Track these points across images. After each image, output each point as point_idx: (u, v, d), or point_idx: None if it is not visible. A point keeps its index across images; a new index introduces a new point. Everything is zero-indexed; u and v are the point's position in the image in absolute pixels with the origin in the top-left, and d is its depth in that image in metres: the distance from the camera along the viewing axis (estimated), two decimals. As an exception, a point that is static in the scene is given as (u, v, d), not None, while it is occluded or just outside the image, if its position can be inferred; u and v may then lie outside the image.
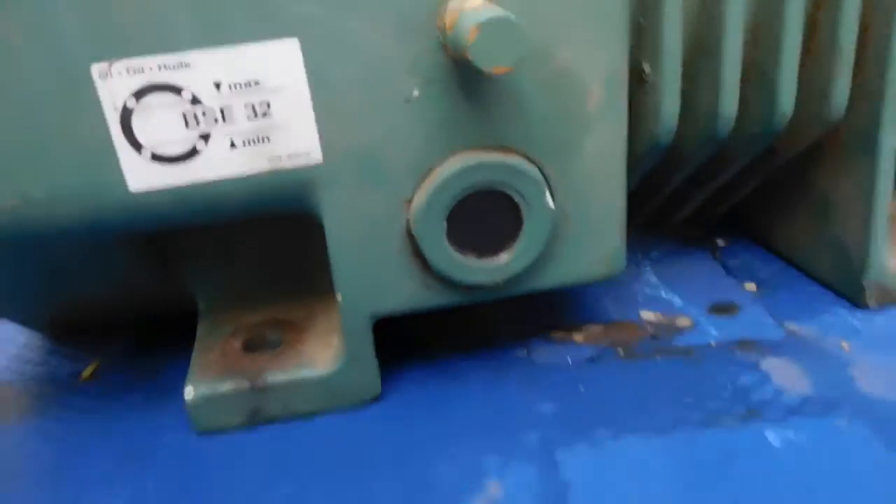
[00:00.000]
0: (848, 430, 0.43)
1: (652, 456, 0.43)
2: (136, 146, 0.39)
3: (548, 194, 0.44)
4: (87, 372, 0.56)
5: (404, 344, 0.55)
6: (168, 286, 0.53)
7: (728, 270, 0.64)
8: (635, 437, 0.44)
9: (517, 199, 0.43)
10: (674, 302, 0.59)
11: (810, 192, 0.58)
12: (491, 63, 0.36)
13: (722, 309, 0.58)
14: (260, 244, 0.52)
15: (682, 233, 0.71)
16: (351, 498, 0.41)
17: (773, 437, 0.43)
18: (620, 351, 0.54)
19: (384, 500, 0.41)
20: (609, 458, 0.43)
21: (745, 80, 0.50)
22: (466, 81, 0.40)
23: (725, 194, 0.64)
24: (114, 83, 0.37)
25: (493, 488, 0.41)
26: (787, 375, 0.49)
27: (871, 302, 0.56)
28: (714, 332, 0.55)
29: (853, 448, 0.42)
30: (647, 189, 0.60)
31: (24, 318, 0.58)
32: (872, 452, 0.41)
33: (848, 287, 0.57)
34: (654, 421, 0.45)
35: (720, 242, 0.69)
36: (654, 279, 0.63)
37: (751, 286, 0.61)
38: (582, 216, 0.46)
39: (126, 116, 0.38)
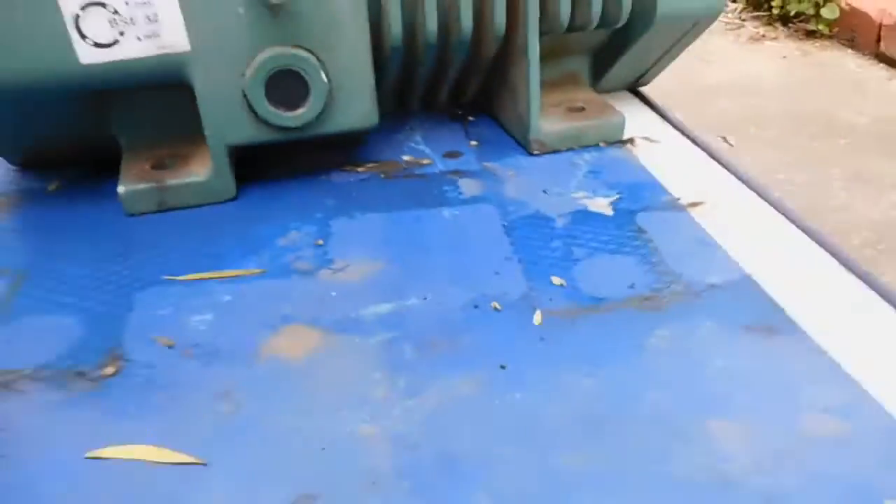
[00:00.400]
0: (486, 209, 0.80)
1: (383, 221, 0.78)
2: (83, 37, 0.72)
3: (322, 73, 0.78)
4: (52, 186, 0.89)
5: (254, 168, 0.89)
6: (102, 130, 0.86)
7: (466, 134, 0.99)
8: (375, 214, 0.80)
9: (304, 75, 0.78)
10: (424, 150, 0.95)
11: (507, 83, 0.94)
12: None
13: (451, 154, 0.94)
14: (163, 103, 0.85)
15: (447, 112, 1.05)
16: (208, 242, 0.76)
17: (447, 213, 0.80)
18: (383, 175, 0.89)
19: (227, 244, 0.76)
20: (359, 223, 0.78)
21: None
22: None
23: (465, 84, 0.99)
24: (68, 1, 0.70)
25: (293, 234, 0.77)
26: (469, 187, 0.85)
27: (533, 150, 0.92)
28: (441, 167, 0.90)
29: (486, 216, 0.78)
30: (407, 79, 0.95)
31: (2, 152, 0.91)
32: (495, 218, 0.78)
33: (524, 141, 0.93)
34: (388, 206, 0.81)
35: (470, 118, 1.04)
36: (417, 137, 0.98)
37: (474, 143, 0.96)
38: (345, 87, 0.80)
39: (76, 20, 0.71)
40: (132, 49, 0.73)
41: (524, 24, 0.84)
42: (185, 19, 0.72)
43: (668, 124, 0.99)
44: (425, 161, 0.91)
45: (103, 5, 0.69)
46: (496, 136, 0.97)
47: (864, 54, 2.14)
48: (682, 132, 0.96)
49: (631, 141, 0.94)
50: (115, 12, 0.70)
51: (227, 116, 0.78)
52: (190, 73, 0.75)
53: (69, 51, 0.71)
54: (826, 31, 2.27)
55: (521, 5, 0.83)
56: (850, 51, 2.15)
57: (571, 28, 0.87)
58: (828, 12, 2.23)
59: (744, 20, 2.40)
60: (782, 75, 2.00)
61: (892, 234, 1.42)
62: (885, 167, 1.59)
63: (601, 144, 0.93)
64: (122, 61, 0.72)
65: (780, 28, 2.35)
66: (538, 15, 0.84)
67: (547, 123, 0.91)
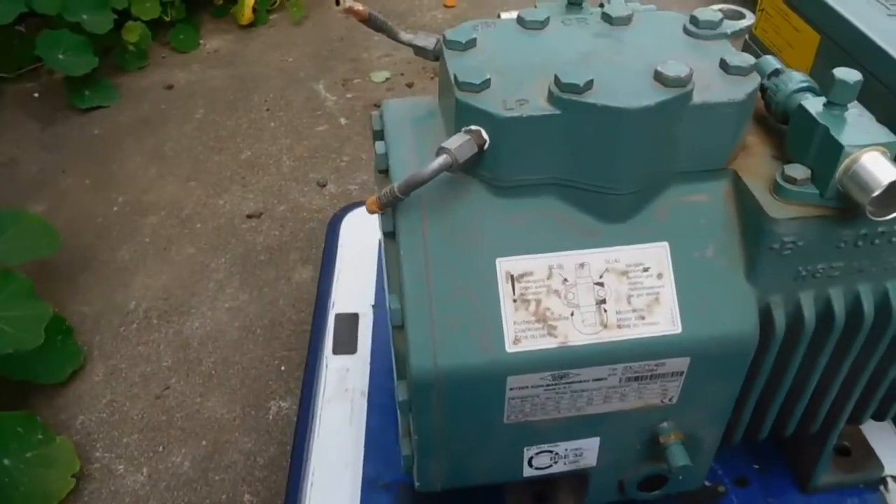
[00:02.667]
0: None
1: None
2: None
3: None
4: None
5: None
6: None
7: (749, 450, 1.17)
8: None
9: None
10: (716, 469, 1.13)
11: (803, 439, 1.11)
12: None
13: (740, 482, 1.12)
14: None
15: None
16: None
17: None
18: None
19: None
20: None
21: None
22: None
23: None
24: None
25: None
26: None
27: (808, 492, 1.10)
28: (735, 499, 1.10)
29: None
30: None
31: None
32: None
33: (799, 481, 1.11)
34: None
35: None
36: None
37: (756, 466, 1.15)
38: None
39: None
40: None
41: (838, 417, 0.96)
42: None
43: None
44: (721, 489, 1.09)
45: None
46: (775, 460, 1.11)
47: None
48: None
49: (884, 482, 1.11)
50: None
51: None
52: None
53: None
54: None
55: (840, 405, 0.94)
56: None
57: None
58: None
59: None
60: None
61: None
62: None
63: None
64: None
65: None
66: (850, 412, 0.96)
67: (823, 476, 1.08)
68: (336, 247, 1.46)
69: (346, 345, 1.25)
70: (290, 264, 1.98)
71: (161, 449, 1.58)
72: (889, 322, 0.82)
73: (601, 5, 0.88)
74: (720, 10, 0.86)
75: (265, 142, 2.44)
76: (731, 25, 0.84)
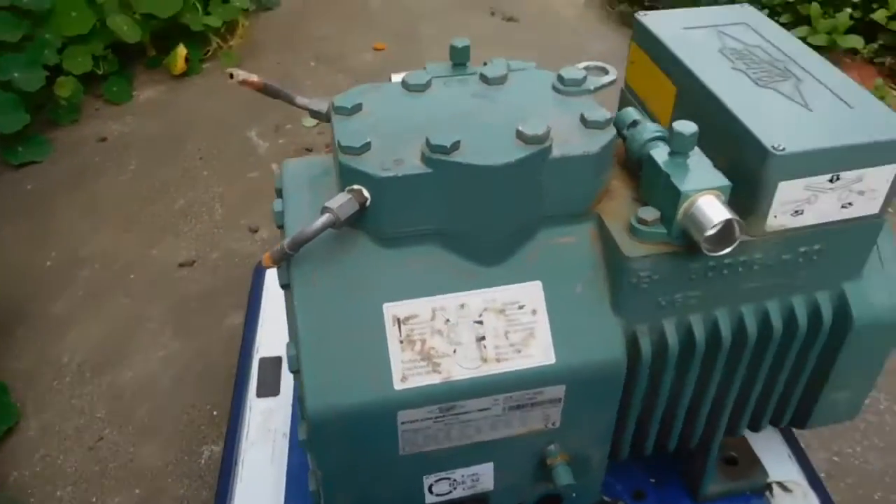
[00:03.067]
0: None
1: None
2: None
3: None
4: None
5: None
6: None
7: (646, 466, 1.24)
8: None
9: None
10: (615, 487, 1.21)
11: (691, 452, 1.19)
12: None
13: (638, 495, 1.20)
14: None
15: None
16: None
17: None
18: None
19: None
20: None
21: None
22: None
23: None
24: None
25: None
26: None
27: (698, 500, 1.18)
28: None
29: None
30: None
31: None
32: None
33: (692, 492, 1.19)
34: None
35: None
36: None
37: (653, 480, 1.22)
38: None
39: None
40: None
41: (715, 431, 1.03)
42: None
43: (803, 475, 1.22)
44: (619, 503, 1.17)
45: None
46: (669, 474, 1.18)
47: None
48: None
49: (769, 488, 1.20)
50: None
51: None
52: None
53: None
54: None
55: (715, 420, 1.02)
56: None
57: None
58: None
59: None
60: None
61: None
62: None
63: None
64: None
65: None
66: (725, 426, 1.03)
67: (711, 485, 1.16)
68: (261, 292, 1.51)
69: (269, 387, 1.31)
70: (221, 310, 2.03)
71: (94, 500, 1.62)
72: (746, 343, 0.90)
73: (484, 64, 0.96)
74: (585, 67, 0.94)
75: (199, 190, 2.50)
76: (594, 82, 0.93)
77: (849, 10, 2.85)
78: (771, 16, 2.79)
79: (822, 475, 1.52)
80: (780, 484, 1.19)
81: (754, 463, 1.19)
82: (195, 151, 2.66)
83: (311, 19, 3.54)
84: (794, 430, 1.16)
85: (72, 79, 2.81)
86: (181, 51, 3.05)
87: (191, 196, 2.45)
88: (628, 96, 1.07)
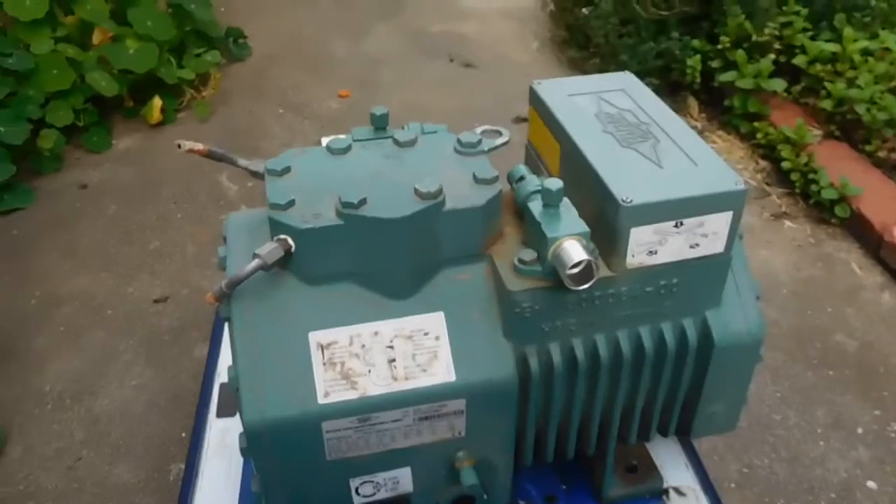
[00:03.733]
0: None
1: None
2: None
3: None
4: None
5: None
6: None
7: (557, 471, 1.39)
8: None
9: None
10: (530, 491, 1.35)
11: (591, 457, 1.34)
12: None
13: (550, 499, 1.35)
14: None
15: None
16: None
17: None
18: None
19: None
20: None
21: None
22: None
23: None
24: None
25: None
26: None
27: None
28: None
29: None
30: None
31: None
32: None
33: (596, 496, 1.33)
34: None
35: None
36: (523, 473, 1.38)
37: (564, 486, 1.37)
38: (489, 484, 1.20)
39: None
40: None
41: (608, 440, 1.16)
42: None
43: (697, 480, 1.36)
44: (533, 509, 1.30)
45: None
46: (579, 479, 1.30)
47: (867, 252, 2.45)
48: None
49: (666, 493, 1.34)
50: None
51: None
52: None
53: None
54: (838, 222, 2.60)
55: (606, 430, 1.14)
56: (856, 244, 2.47)
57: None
58: (840, 211, 2.56)
59: (769, 185, 2.70)
60: (791, 271, 2.35)
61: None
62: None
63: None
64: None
65: (801, 203, 2.66)
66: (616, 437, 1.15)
67: (612, 489, 1.30)
68: (223, 326, 1.65)
69: (227, 408, 1.45)
70: (191, 342, 2.17)
71: (73, 514, 1.74)
72: (622, 363, 1.05)
73: (403, 128, 1.11)
74: (482, 131, 1.10)
75: (172, 232, 2.63)
76: (489, 143, 1.08)
77: (772, 55, 3.02)
78: (703, 61, 2.98)
79: (732, 484, 1.69)
80: (676, 489, 1.32)
81: (652, 470, 1.32)
82: (169, 196, 2.79)
83: (280, 69, 3.69)
84: (708, 443, 1.28)
85: (54, 131, 2.93)
86: (157, 102, 3.19)
87: (165, 237, 2.59)
88: (530, 151, 1.22)
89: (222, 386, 1.47)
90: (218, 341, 1.59)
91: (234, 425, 1.39)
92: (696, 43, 3.23)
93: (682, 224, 0.94)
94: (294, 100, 3.41)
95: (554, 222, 0.93)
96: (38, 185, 2.84)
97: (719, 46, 3.12)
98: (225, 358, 1.54)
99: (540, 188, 0.99)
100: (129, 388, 1.97)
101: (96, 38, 3.08)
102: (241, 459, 1.33)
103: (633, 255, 0.96)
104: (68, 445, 1.82)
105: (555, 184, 0.93)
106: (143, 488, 1.71)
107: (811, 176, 2.71)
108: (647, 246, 0.95)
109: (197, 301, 2.24)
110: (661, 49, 3.27)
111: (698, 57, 3.14)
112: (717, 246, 0.98)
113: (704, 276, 1.02)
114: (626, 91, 1.15)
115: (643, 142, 1.03)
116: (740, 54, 3.00)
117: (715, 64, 3.15)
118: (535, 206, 0.95)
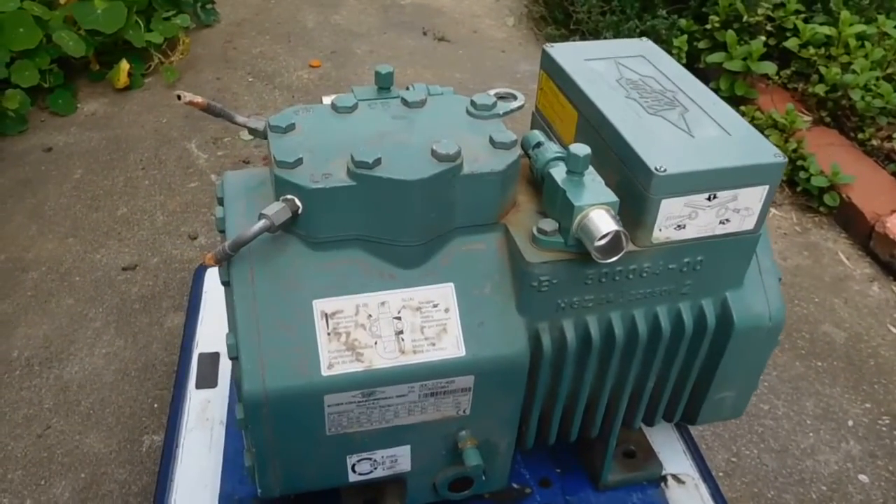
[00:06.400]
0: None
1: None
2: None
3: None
4: None
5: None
6: None
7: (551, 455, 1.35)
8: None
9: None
10: (524, 474, 1.31)
11: (590, 442, 1.30)
12: None
13: (544, 483, 1.30)
14: None
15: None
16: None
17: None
18: None
19: None
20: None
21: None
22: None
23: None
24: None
25: None
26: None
27: (600, 489, 1.29)
28: (539, 499, 1.27)
29: None
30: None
31: None
32: None
33: (593, 481, 1.30)
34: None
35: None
36: (518, 457, 1.34)
37: (558, 470, 1.33)
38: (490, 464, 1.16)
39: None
40: None
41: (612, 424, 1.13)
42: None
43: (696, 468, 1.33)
44: (527, 490, 1.27)
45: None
46: (574, 464, 1.28)
47: (855, 243, 2.42)
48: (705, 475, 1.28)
49: (664, 480, 1.31)
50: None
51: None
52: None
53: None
54: (826, 211, 2.58)
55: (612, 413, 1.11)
56: (844, 234, 2.44)
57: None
58: (829, 199, 2.54)
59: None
60: (777, 260, 2.32)
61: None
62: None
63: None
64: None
65: (787, 191, 2.63)
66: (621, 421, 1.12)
67: (611, 475, 1.27)
68: (201, 293, 1.59)
69: (207, 380, 1.39)
70: (162, 311, 2.10)
71: (43, 482, 1.68)
72: (637, 343, 1.01)
73: (407, 88, 1.06)
74: (496, 94, 1.05)
75: (140, 199, 2.55)
76: (504, 107, 1.03)
77: (763, 37, 3.00)
78: (690, 41, 2.94)
79: (720, 474, 1.67)
80: (675, 476, 1.29)
81: (651, 456, 1.29)
82: (137, 162, 2.72)
83: (249, 37, 3.61)
84: (695, 431, 1.25)
85: (19, 91, 2.84)
86: (124, 65, 3.11)
87: (133, 204, 2.51)
88: (538, 119, 1.17)
89: (201, 357, 1.41)
90: (196, 310, 1.53)
91: (214, 397, 1.34)
92: (683, 22, 3.19)
93: (715, 197, 0.90)
94: (264, 69, 3.34)
95: (580, 191, 0.88)
96: (2, 147, 2.76)
97: (707, 26, 3.08)
98: (204, 327, 1.47)
99: (562, 154, 0.94)
100: (99, 357, 1.90)
101: (63, -4, 2.98)
102: (222, 432, 1.28)
103: (660, 230, 0.92)
104: (37, 413, 1.77)
105: (582, 149, 0.89)
106: (114, 459, 1.66)
107: (800, 163, 2.68)
108: (677, 220, 0.91)
109: (167, 270, 2.18)
110: (646, 27, 3.22)
111: (685, 37, 3.09)
112: (748, 223, 0.95)
113: (731, 254, 0.99)
114: (645, 57, 1.11)
115: (670, 109, 0.99)
116: (730, 35, 2.96)
117: (702, 45, 3.11)
118: (558, 173, 0.91)
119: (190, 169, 2.68)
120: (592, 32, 3.34)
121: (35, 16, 2.84)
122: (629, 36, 3.24)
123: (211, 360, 1.39)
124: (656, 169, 0.86)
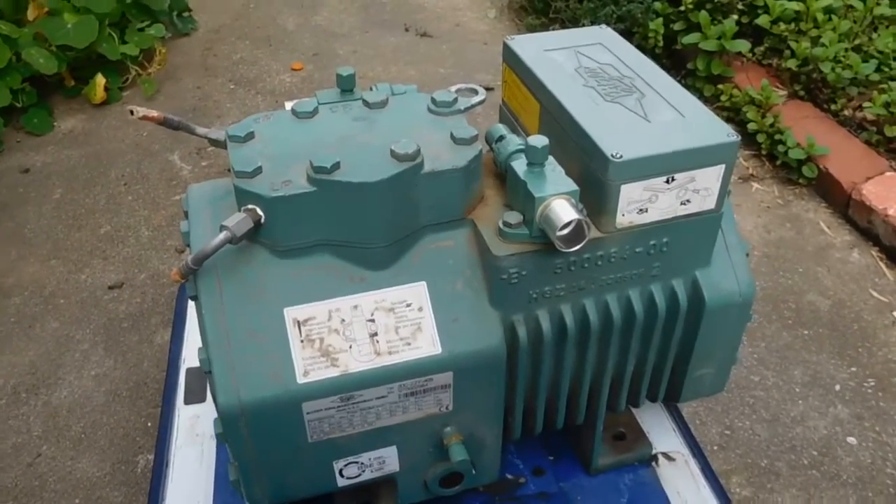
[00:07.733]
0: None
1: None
2: None
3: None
4: None
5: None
6: None
7: (543, 444, 1.35)
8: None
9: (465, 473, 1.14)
10: (518, 464, 1.32)
11: (579, 428, 1.30)
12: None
13: (538, 472, 1.31)
14: None
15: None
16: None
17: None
18: (498, 498, 1.26)
19: None
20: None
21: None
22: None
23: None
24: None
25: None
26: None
27: (592, 473, 1.30)
28: (533, 487, 1.28)
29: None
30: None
31: None
32: None
33: (584, 464, 1.30)
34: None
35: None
36: (510, 447, 1.34)
37: (551, 458, 1.34)
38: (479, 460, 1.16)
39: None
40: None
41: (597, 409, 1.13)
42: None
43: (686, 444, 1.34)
44: (521, 480, 1.27)
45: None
46: (565, 450, 1.29)
47: (835, 211, 2.45)
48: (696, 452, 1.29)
49: (655, 459, 1.31)
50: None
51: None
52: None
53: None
54: (805, 182, 2.59)
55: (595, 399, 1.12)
56: (823, 204, 2.46)
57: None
58: (807, 171, 2.56)
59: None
60: (761, 233, 2.34)
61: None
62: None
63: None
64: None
65: (767, 165, 2.65)
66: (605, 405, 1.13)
67: (601, 458, 1.27)
68: (186, 307, 1.59)
69: (196, 395, 1.39)
70: (152, 328, 2.10)
71: (36, 511, 1.68)
72: (612, 327, 1.01)
73: (371, 89, 1.06)
74: (456, 90, 1.05)
75: (124, 215, 2.55)
76: (464, 102, 1.03)
77: (735, 16, 3.00)
78: (666, 24, 2.95)
79: (715, 447, 1.67)
80: (665, 454, 1.30)
81: (640, 437, 1.30)
82: (119, 178, 2.71)
83: (228, 43, 3.61)
84: (689, 407, 1.26)
85: (-9, 113, 2.80)
86: (100, 80, 3.10)
87: (116, 221, 2.51)
88: (505, 112, 1.17)
89: (189, 372, 1.41)
90: (182, 325, 1.53)
91: (203, 412, 1.34)
92: (658, 5, 3.20)
93: (673, 179, 0.91)
94: (245, 74, 3.33)
95: (540, 181, 0.88)
96: (-24, 170, 2.71)
97: (681, 8, 3.08)
98: (190, 342, 1.47)
99: (523, 146, 0.94)
100: (88, 379, 1.90)
101: (31, 13, 2.97)
102: (213, 447, 1.28)
103: (623, 215, 0.92)
104: (26, 441, 1.76)
105: (540, 141, 0.89)
106: (109, 482, 1.66)
107: (777, 137, 2.69)
108: (638, 204, 0.91)
109: (155, 286, 2.18)
110: (622, 12, 3.23)
111: (660, 20, 3.10)
112: (709, 202, 0.96)
113: (696, 234, 0.99)
114: (604, 45, 1.12)
115: (627, 96, 0.99)
116: (703, 15, 2.97)
117: (677, 26, 3.12)
118: (519, 166, 0.91)
119: (174, 181, 2.68)
120: (571, 20, 3.35)
121: (2, 34, 2.82)
122: (607, 21, 3.24)
123: (199, 374, 1.39)
124: (613, 155, 0.87)
